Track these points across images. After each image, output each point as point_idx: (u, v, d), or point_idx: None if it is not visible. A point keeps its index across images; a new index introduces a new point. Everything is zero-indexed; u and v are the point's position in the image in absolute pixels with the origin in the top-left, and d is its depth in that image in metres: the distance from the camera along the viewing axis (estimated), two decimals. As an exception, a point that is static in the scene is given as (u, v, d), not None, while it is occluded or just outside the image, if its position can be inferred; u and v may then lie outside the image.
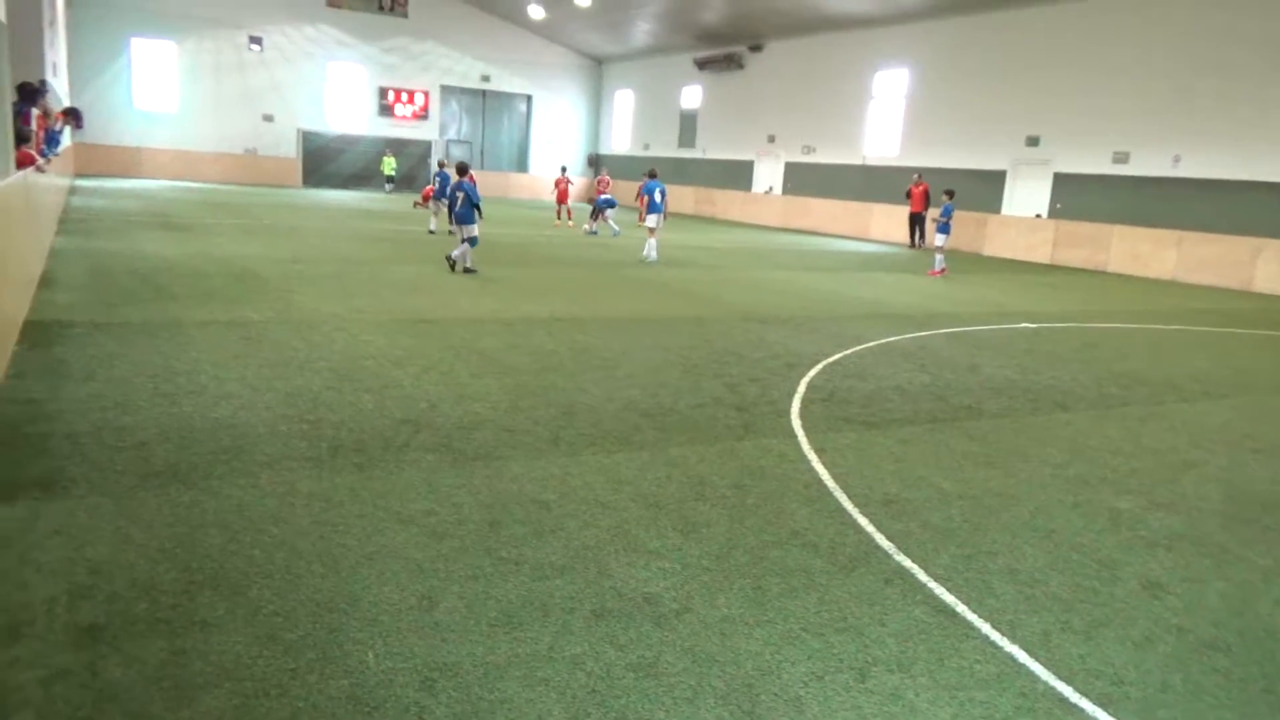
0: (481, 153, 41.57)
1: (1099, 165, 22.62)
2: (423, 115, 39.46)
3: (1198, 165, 20.57)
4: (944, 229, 18.94)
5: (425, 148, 39.75)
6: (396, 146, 37.65)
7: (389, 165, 36.66)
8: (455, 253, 13.63)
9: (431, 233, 19.54)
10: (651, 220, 17.44)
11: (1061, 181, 23.59)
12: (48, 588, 3.49)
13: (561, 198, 25.28)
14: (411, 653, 3.23)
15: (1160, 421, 7.51)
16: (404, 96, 38.90)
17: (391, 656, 3.20)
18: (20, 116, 12.08)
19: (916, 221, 26.06)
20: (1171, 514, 5.28)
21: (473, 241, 13.53)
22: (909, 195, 26.02)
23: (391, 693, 2.99)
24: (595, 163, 43.05)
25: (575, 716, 2.94)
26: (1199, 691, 3.36)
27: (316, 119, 37.33)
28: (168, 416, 5.76)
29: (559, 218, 25.29)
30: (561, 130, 43.19)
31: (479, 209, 13.55)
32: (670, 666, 3.27)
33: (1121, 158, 22.12)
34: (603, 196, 22.80)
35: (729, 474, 5.44)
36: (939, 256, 18.95)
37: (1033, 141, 24.20)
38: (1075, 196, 23.21)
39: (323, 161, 37.42)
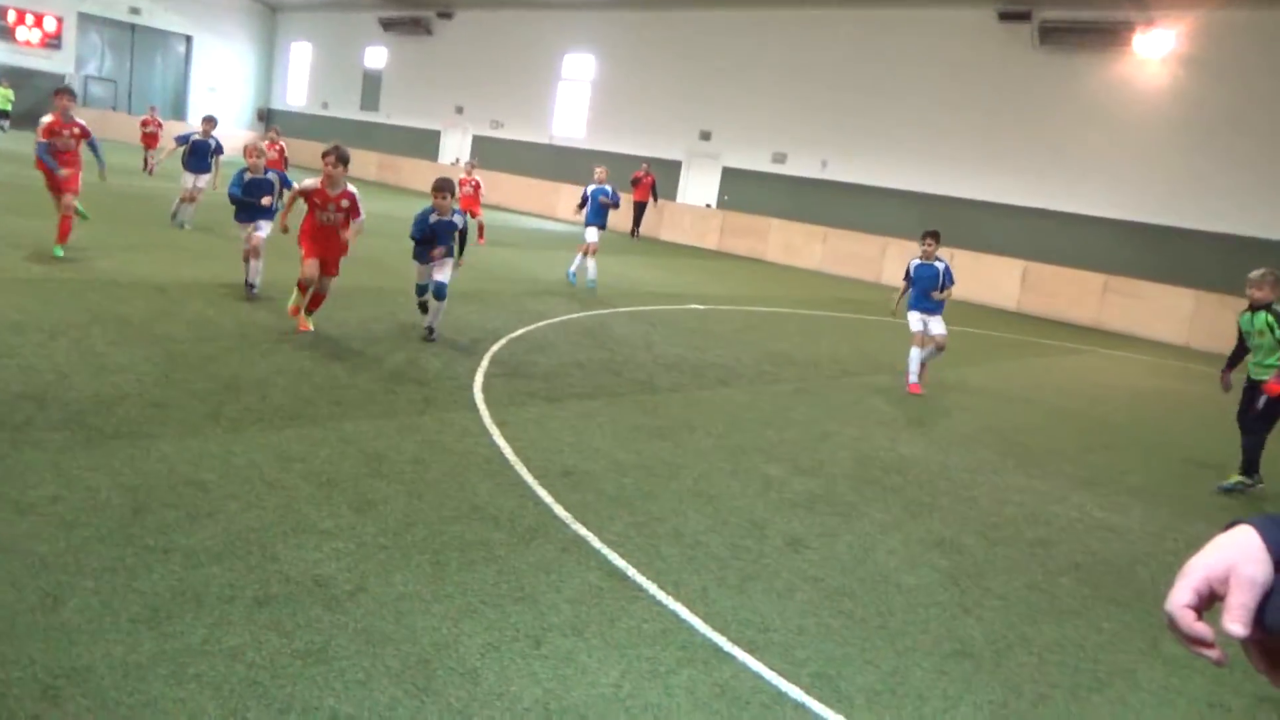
0: (129, 95, 36.93)
1: (761, 163, 24.84)
2: (54, 43, 34.22)
3: (841, 170, 23.30)
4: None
5: (57, 82, 34.50)
6: (16, 78, 32.16)
7: (5, 99, 31.00)
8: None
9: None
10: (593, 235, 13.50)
11: (729, 175, 25.62)
12: None
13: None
14: (30, 659, 2.82)
15: (805, 397, 8.43)
16: (28, 19, 33.44)
17: (4, 665, 2.78)
18: None
19: (639, 210, 26.73)
20: (812, 478, 5.96)
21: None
22: (635, 184, 26.63)
23: (4, 708, 2.60)
24: (266, 117, 39.90)
25: (233, 712, 2.74)
26: (829, 632, 3.84)
27: (-94, 33, 31.08)
28: None
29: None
30: (227, 79, 39.53)
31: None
32: (342, 650, 3.15)
33: (780, 158, 24.45)
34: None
35: (408, 449, 5.32)
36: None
37: (705, 136, 26.02)
38: (740, 190, 25.31)
39: (-87, 86, 31.19)
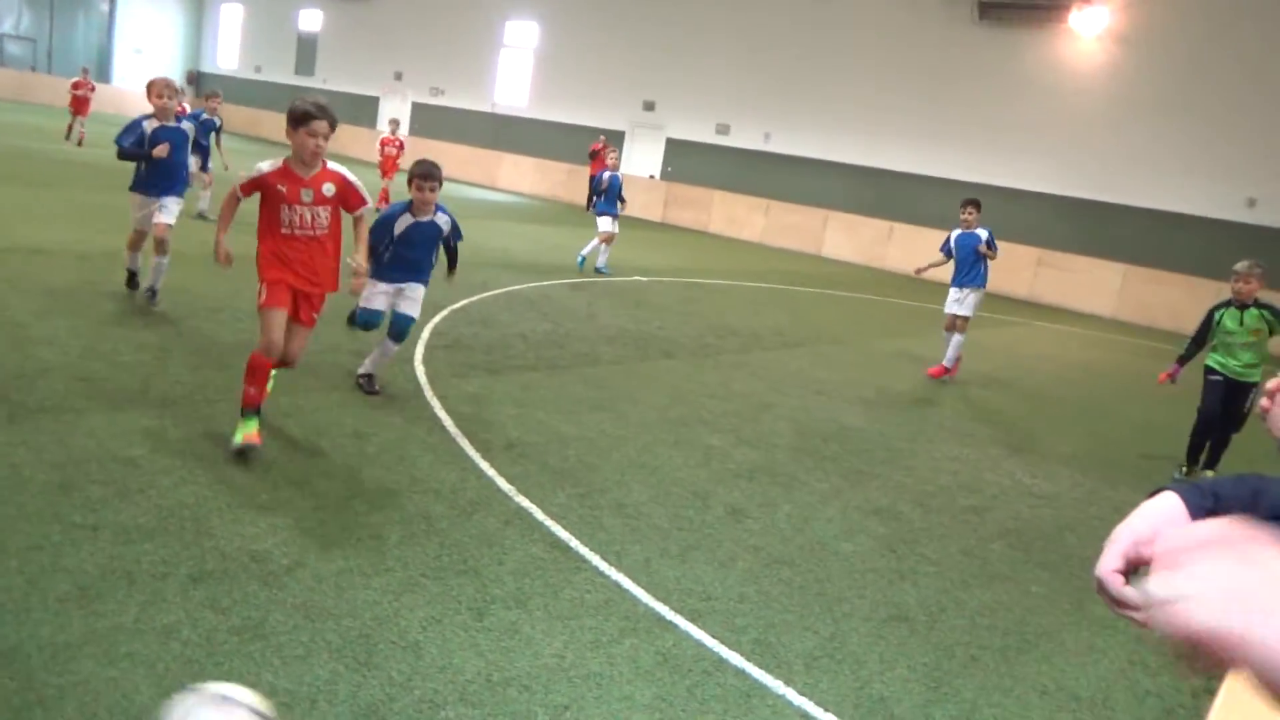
0: (49, 55, 35.41)
1: (705, 135, 24.81)
2: (-35, -1, 32.67)
3: (784, 142, 23.39)
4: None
5: (-30, 40, 33.00)
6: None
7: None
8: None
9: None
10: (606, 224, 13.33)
11: (672, 146, 25.55)
12: None
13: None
14: (-48, 641, 2.74)
15: (747, 368, 8.51)
16: (-62, -28, 31.86)
17: (-77, 648, 2.69)
18: None
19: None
20: (753, 449, 6.02)
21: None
22: (593, 156, 26.33)
23: (-77, 690, 2.52)
24: (196, 81, 38.58)
25: (167, 691, 2.67)
26: (769, 599, 3.90)
27: None
28: None
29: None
30: (154, 40, 38.12)
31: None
32: (280, 625, 3.11)
33: (724, 129, 24.45)
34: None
35: (348, 423, 5.25)
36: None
37: (649, 106, 25.87)
38: (684, 161, 25.27)
39: None
